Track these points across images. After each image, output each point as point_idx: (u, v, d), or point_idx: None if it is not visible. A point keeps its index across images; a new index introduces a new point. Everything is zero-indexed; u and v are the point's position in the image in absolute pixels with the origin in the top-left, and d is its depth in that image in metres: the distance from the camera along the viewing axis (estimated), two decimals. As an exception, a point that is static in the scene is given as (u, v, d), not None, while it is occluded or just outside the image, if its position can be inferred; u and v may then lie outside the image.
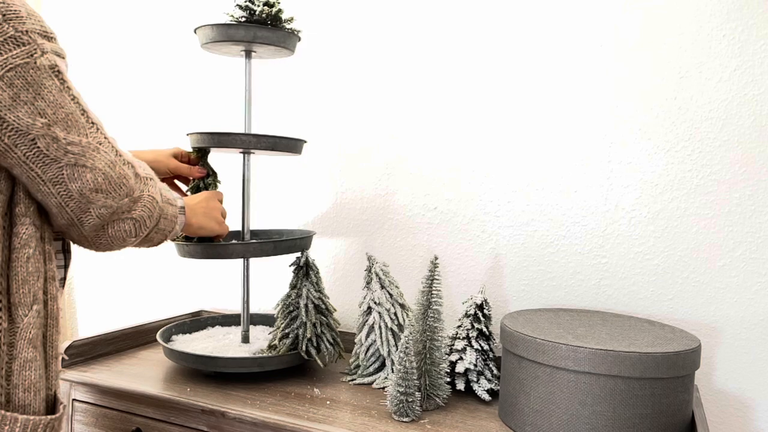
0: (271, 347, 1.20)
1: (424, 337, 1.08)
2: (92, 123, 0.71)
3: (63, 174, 0.68)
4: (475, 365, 1.12)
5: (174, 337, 1.31)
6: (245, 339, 1.27)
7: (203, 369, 1.17)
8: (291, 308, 1.20)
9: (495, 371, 1.15)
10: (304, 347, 1.17)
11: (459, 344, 1.13)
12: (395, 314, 1.16)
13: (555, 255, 1.27)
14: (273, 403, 1.06)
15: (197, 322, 1.39)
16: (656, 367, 0.88)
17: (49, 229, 0.75)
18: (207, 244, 1.14)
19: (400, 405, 1.00)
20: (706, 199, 1.16)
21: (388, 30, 1.40)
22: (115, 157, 0.74)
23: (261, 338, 1.30)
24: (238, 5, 1.15)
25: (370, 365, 1.19)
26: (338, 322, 1.25)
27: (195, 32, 1.19)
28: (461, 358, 1.13)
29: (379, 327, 1.16)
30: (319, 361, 1.18)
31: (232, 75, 1.58)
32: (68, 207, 0.71)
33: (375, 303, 1.17)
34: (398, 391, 1.00)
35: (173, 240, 1.07)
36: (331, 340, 1.21)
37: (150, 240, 0.86)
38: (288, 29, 1.18)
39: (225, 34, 1.14)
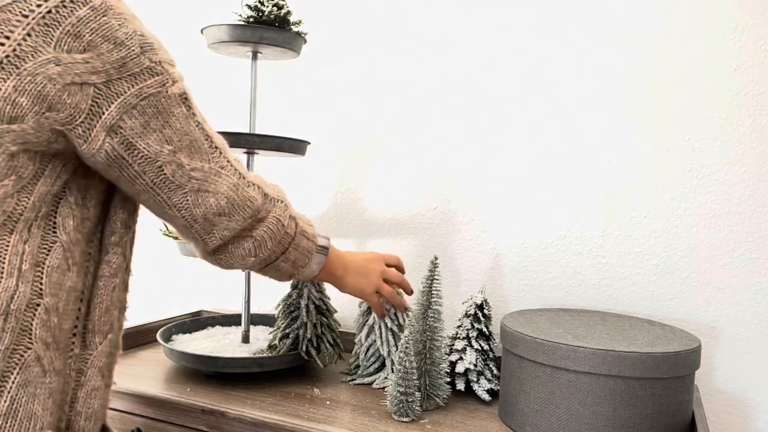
0: (271, 347, 1.20)
1: (424, 337, 1.08)
2: (215, 147, 0.71)
3: (188, 199, 0.70)
4: (475, 365, 1.12)
5: (174, 337, 1.31)
6: (245, 339, 1.27)
7: (203, 369, 1.17)
8: (292, 308, 1.20)
9: (495, 371, 1.15)
10: (304, 347, 1.17)
11: (459, 344, 1.13)
12: (395, 314, 1.16)
13: (555, 255, 1.27)
14: (273, 403, 1.06)
15: (197, 322, 1.39)
16: (656, 367, 0.88)
17: (132, 261, 0.77)
18: None
19: (400, 405, 1.00)
20: (706, 199, 1.16)
21: (389, 33, 1.40)
22: (238, 179, 0.74)
23: (261, 338, 1.30)
24: (247, 5, 1.15)
25: (370, 365, 1.19)
26: (339, 322, 1.25)
27: (202, 32, 1.19)
28: (461, 358, 1.13)
29: (379, 327, 1.16)
30: (319, 362, 1.18)
31: (237, 75, 1.58)
32: (193, 228, 0.73)
33: (375, 303, 1.17)
34: (398, 391, 1.00)
35: (315, 281, 1.02)
36: (332, 341, 1.21)
37: (277, 269, 0.85)
38: (295, 31, 1.18)
39: (232, 34, 1.14)
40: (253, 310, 1.51)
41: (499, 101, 1.31)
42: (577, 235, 1.25)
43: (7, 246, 0.61)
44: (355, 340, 1.21)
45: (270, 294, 1.54)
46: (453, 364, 1.13)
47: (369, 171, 1.44)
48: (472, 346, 1.13)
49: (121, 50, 0.61)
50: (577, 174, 1.25)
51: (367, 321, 1.19)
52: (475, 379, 1.12)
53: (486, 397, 1.10)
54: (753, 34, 1.11)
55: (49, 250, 0.65)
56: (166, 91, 0.65)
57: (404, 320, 1.16)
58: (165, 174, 0.67)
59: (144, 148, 0.65)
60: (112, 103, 0.61)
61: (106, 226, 0.71)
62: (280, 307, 1.22)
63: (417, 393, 1.01)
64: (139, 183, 0.67)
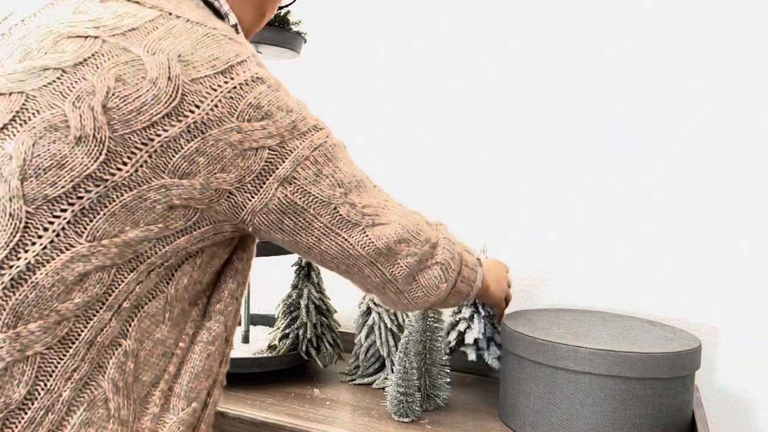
0: (271, 347, 1.20)
1: (424, 337, 1.08)
2: (374, 185, 0.76)
3: (368, 235, 0.73)
4: (484, 332, 1.12)
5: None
6: (245, 339, 1.27)
7: (203, 369, 1.16)
8: (292, 308, 1.20)
9: (499, 339, 1.13)
10: (304, 348, 1.17)
11: (466, 312, 1.12)
12: (395, 315, 1.16)
13: (555, 255, 1.27)
14: (273, 403, 1.06)
15: (197, 322, 1.39)
16: (656, 368, 0.88)
17: (234, 334, 0.77)
18: None
19: (400, 405, 1.00)
20: (706, 199, 1.16)
21: (390, 33, 1.40)
22: (402, 209, 0.78)
23: (261, 338, 1.30)
24: None
25: (370, 366, 1.19)
26: (338, 323, 1.25)
27: None
28: (470, 327, 1.11)
29: (379, 328, 1.16)
30: (319, 362, 1.18)
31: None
32: (378, 263, 0.75)
33: (374, 303, 1.17)
34: (398, 391, 1.00)
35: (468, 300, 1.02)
36: (332, 341, 1.21)
37: (459, 292, 0.86)
38: (295, 31, 1.18)
39: None
40: (253, 310, 1.51)
41: (500, 101, 1.31)
42: (577, 235, 1.25)
43: (122, 281, 0.62)
44: (355, 341, 1.21)
45: (270, 294, 1.54)
46: (461, 335, 1.12)
47: (369, 171, 1.43)
48: (479, 313, 1.12)
49: (291, 115, 0.66)
50: (577, 174, 1.25)
51: (366, 321, 1.19)
52: (485, 347, 1.11)
53: (496, 364, 1.10)
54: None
55: (152, 298, 0.65)
56: (331, 141, 0.70)
57: (404, 320, 1.16)
58: (340, 214, 0.70)
59: (318, 193, 0.68)
60: (287, 158, 0.65)
61: (214, 294, 0.72)
62: (280, 307, 1.22)
63: (417, 393, 1.01)
64: (317, 227, 0.70)
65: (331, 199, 0.69)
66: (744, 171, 1.13)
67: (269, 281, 1.53)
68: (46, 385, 0.59)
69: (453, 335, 1.13)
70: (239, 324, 1.40)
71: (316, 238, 0.71)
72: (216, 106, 0.62)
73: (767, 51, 1.11)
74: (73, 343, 0.60)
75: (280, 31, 1.15)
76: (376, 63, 1.42)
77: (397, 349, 1.12)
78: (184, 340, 0.70)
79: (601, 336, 0.97)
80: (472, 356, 1.11)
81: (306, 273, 1.21)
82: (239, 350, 1.21)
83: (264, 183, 0.65)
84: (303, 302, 1.19)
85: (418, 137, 1.38)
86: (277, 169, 0.65)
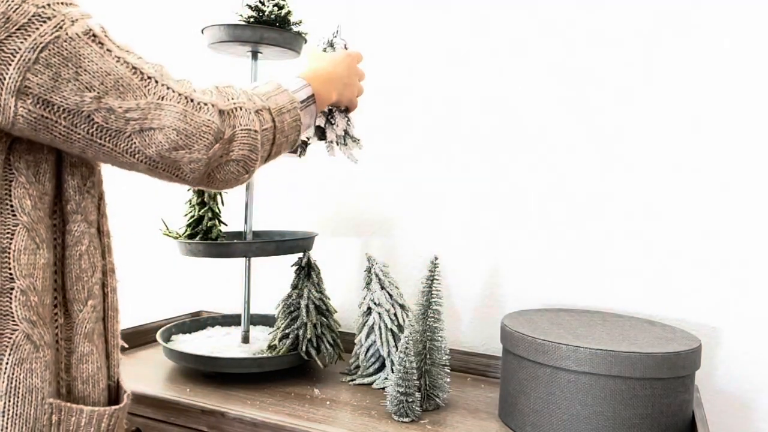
0: (271, 347, 1.19)
1: (424, 337, 1.08)
2: (148, 78, 0.65)
3: (135, 142, 0.65)
4: (337, 126, 1.10)
5: (174, 337, 1.31)
6: (245, 339, 1.27)
7: (203, 369, 1.17)
8: (292, 308, 1.20)
9: (354, 133, 1.12)
10: (304, 348, 1.17)
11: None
12: (395, 315, 1.16)
13: (555, 255, 1.27)
14: (273, 404, 1.06)
15: (197, 322, 1.39)
16: (656, 368, 0.88)
17: (107, 222, 0.75)
18: (210, 243, 1.14)
19: (400, 405, 1.00)
20: (707, 199, 1.16)
21: (390, 34, 1.40)
22: (185, 106, 0.67)
23: (261, 338, 1.30)
24: (247, 5, 1.15)
25: (370, 366, 1.19)
26: (338, 323, 1.25)
27: (202, 32, 1.19)
28: (330, 122, 1.09)
29: (379, 328, 1.16)
30: (318, 362, 1.18)
31: (237, 75, 1.58)
32: (159, 169, 0.68)
33: (375, 304, 1.17)
34: (398, 391, 1.00)
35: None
36: (331, 341, 1.20)
37: (278, 153, 0.82)
38: (295, 31, 1.18)
39: (232, 34, 1.14)
40: (253, 310, 1.51)
41: (500, 103, 1.31)
42: (577, 235, 1.25)
43: None
44: (355, 341, 1.21)
45: (270, 294, 1.53)
46: (322, 130, 1.10)
47: (369, 171, 1.44)
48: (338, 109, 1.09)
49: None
50: (577, 174, 1.25)
51: (366, 321, 1.19)
52: (343, 142, 1.11)
53: (354, 159, 1.13)
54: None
55: (12, 234, 0.65)
56: (66, 34, 0.58)
57: (404, 320, 1.16)
58: (97, 123, 0.62)
59: (61, 101, 0.60)
60: (10, 65, 0.56)
61: (62, 196, 0.70)
62: (280, 307, 1.22)
63: (417, 393, 1.01)
64: (75, 139, 0.63)
65: (81, 106, 0.61)
66: (744, 171, 1.13)
67: (269, 281, 1.53)
68: None
69: (311, 132, 1.09)
70: (239, 324, 1.40)
71: (80, 148, 0.64)
72: None
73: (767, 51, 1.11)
74: None
75: (281, 32, 1.15)
76: (379, 62, 1.41)
77: (397, 349, 1.12)
78: (57, 250, 0.70)
79: (601, 336, 0.97)
80: (332, 152, 1.11)
81: (306, 273, 1.21)
82: (239, 350, 1.21)
83: None
84: (303, 302, 1.18)
85: (419, 137, 1.38)
86: (5, 78, 0.57)
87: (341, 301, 1.44)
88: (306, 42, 1.22)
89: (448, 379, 1.10)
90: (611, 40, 1.21)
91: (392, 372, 1.11)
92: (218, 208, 1.26)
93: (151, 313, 1.71)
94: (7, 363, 0.64)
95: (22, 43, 0.56)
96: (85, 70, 0.60)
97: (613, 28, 1.21)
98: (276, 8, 1.15)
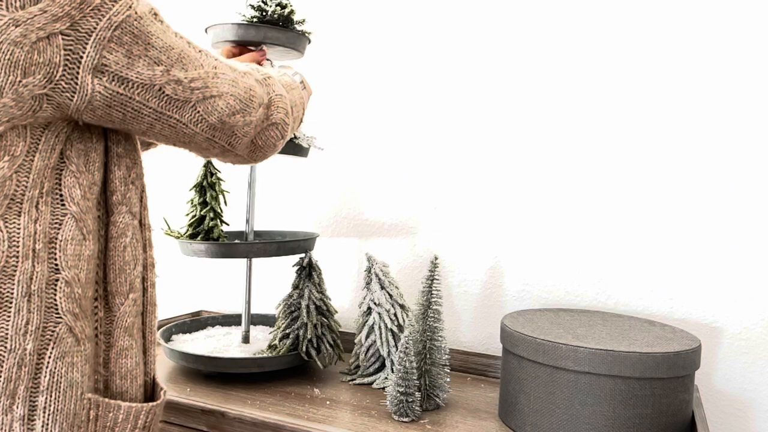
0: (271, 347, 1.20)
1: (424, 337, 1.08)
2: (200, 50, 0.69)
3: (198, 111, 0.68)
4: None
5: (174, 337, 1.31)
6: (245, 339, 1.27)
7: (203, 369, 1.17)
8: (292, 308, 1.20)
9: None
10: (304, 348, 1.17)
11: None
12: (395, 315, 1.16)
13: (555, 255, 1.27)
14: (273, 403, 1.06)
15: (197, 322, 1.39)
16: (656, 367, 0.88)
17: (148, 214, 0.76)
18: (212, 243, 1.14)
19: (400, 405, 1.00)
20: (707, 199, 1.16)
21: (393, 33, 1.40)
22: (233, 74, 0.72)
23: (261, 338, 1.30)
24: (250, 5, 1.16)
25: (370, 366, 1.19)
26: (339, 323, 1.25)
27: (206, 32, 1.19)
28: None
29: (379, 328, 1.16)
30: (319, 362, 1.18)
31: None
32: (216, 138, 0.72)
33: (375, 304, 1.17)
34: (398, 391, 1.00)
35: None
36: (332, 342, 1.21)
37: (295, 129, 0.87)
38: (298, 31, 1.18)
39: (236, 33, 1.14)
40: (253, 310, 1.51)
41: (499, 101, 1.31)
42: (577, 235, 1.25)
43: (19, 229, 0.61)
44: (355, 341, 1.21)
45: (270, 294, 1.54)
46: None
47: (370, 171, 1.44)
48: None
49: None
50: (577, 174, 1.25)
51: (366, 321, 1.19)
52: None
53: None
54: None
55: (60, 224, 0.65)
56: (135, 12, 0.61)
57: (404, 320, 1.16)
58: (167, 95, 0.65)
59: (136, 77, 0.62)
60: (87, 43, 0.58)
61: (107, 187, 0.70)
62: (281, 307, 1.22)
63: (417, 393, 1.01)
64: (146, 113, 0.65)
65: (153, 80, 0.64)
66: (744, 170, 1.13)
67: (269, 281, 1.53)
68: (6, 346, 0.61)
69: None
70: (239, 324, 1.40)
71: (148, 124, 0.67)
72: None
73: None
74: (11, 302, 0.61)
75: (284, 31, 1.15)
76: (380, 62, 1.42)
77: (397, 349, 1.12)
78: (101, 242, 0.70)
79: (601, 336, 0.97)
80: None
81: (307, 273, 1.21)
82: (239, 350, 1.21)
83: (76, 77, 0.59)
84: (304, 302, 1.19)
85: (423, 135, 1.38)
86: (81, 57, 0.59)
87: (341, 301, 1.44)
88: (309, 42, 1.22)
89: (448, 379, 1.10)
90: (612, 35, 1.21)
91: (392, 372, 1.11)
92: (220, 208, 1.26)
93: (151, 313, 1.72)
94: (49, 357, 0.63)
95: (96, 22, 0.58)
96: (153, 46, 0.63)
97: (613, 28, 1.21)
98: (279, 7, 1.15)
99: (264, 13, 1.15)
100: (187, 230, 1.24)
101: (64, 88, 0.59)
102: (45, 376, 0.63)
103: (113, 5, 0.60)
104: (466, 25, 1.33)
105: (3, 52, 0.55)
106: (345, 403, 1.08)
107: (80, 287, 0.66)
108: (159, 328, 1.35)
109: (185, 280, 1.67)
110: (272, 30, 1.14)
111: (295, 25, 1.19)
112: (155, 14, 0.65)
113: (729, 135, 1.14)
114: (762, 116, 1.12)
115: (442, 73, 1.36)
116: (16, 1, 0.55)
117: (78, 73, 0.59)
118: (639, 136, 1.20)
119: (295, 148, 1.19)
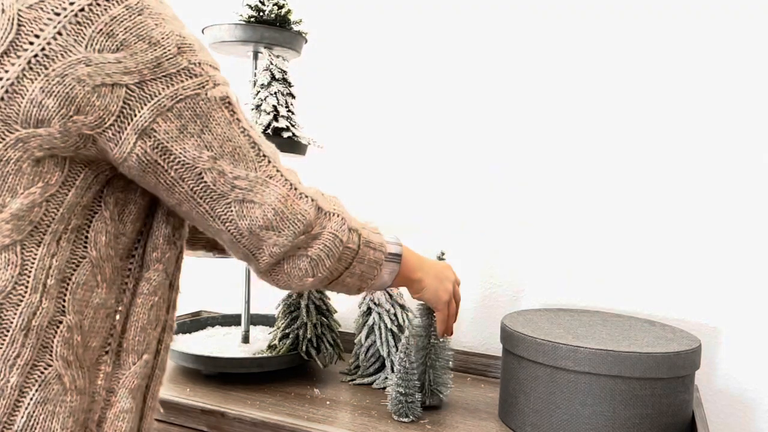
0: (271, 347, 1.20)
1: (429, 332, 1.07)
2: (263, 156, 0.66)
3: (232, 210, 0.65)
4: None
5: (174, 337, 1.31)
6: (245, 339, 1.27)
7: (203, 369, 1.17)
8: (292, 308, 1.20)
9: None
10: (304, 348, 1.17)
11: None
12: (395, 315, 1.16)
13: (555, 255, 1.27)
14: (273, 403, 1.06)
15: (197, 322, 1.39)
16: (656, 367, 0.88)
17: (179, 277, 0.73)
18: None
19: (400, 405, 1.00)
20: (707, 199, 1.16)
21: (392, 32, 1.40)
22: (288, 190, 0.68)
23: (261, 338, 1.30)
24: (248, 4, 1.16)
25: (370, 366, 1.19)
26: (339, 323, 1.25)
27: (203, 32, 1.19)
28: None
29: (379, 328, 1.16)
30: (318, 362, 1.18)
31: (237, 75, 1.58)
32: (240, 243, 0.68)
33: (375, 304, 1.17)
34: (398, 391, 1.00)
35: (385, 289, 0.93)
36: (331, 341, 1.21)
37: (343, 284, 0.79)
38: (295, 30, 1.18)
39: (233, 34, 1.14)
40: (253, 310, 1.51)
41: (498, 101, 1.31)
42: (577, 235, 1.25)
43: (34, 259, 0.59)
44: (355, 341, 1.21)
45: (270, 294, 1.53)
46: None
47: (370, 171, 1.44)
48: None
49: (156, 50, 0.57)
50: (577, 174, 1.25)
51: (367, 321, 1.19)
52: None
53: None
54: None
55: (77, 266, 0.62)
56: (206, 94, 0.61)
57: (404, 320, 1.16)
58: (205, 182, 0.63)
59: (180, 153, 0.61)
60: (145, 105, 0.58)
61: (149, 242, 0.68)
62: (280, 307, 1.22)
63: (417, 393, 1.01)
64: (178, 191, 0.63)
65: (196, 162, 0.61)
66: (744, 171, 1.13)
67: (265, 282, 1.53)
68: None
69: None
70: (239, 324, 1.40)
71: (177, 200, 0.64)
72: (60, 33, 0.54)
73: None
74: (8, 331, 0.58)
75: (281, 31, 1.15)
76: (378, 61, 1.42)
77: (397, 349, 1.12)
78: (126, 295, 0.67)
79: (601, 336, 0.97)
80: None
81: (306, 273, 1.21)
82: (239, 350, 1.21)
83: (123, 131, 0.58)
84: (303, 302, 1.18)
85: (422, 134, 1.38)
86: (135, 115, 0.58)
87: (341, 301, 1.44)
88: (306, 41, 1.22)
89: (451, 375, 1.10)
90: (610, 38, 1.21)
91: (392, 372, 1.11)
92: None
93: (151, 313, 1.71)
94: (30, 399, 0.60)
95: (163, 89, 0.58)
96: (210, 131, 0.61)
97: (611, 30, 1.21)
98: (276, 7, 1.15)
99: (261, 13, 1.15)
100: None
101: (109, 137, 0.58)
102: (21, 417, 0.59)
103: (187, 80, 0.59)
104: (465, 24, 1.33)
105: (64, 86, 0.55)
106: (345, 403, 1.08)
107: (81, 335, 0.63)
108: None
109: (185, 281, 1.67)
110: (269, 30, 1.14)
111: (293, 25, 1.19)
112: (228, 103, 0.63)
113: (728, 137, 1.14)
114: (760, 119, 1.12)
115: (441, 72, 1.36)
116: (96, 44, 0.55)
117: (126, 128, 0.58)
118: (639, 136, 1.20)
119: (293, 147, 1.19)
